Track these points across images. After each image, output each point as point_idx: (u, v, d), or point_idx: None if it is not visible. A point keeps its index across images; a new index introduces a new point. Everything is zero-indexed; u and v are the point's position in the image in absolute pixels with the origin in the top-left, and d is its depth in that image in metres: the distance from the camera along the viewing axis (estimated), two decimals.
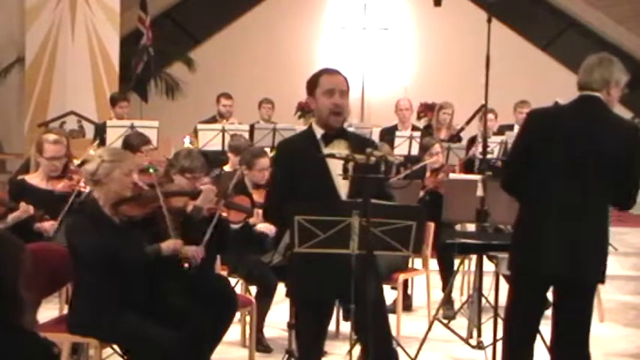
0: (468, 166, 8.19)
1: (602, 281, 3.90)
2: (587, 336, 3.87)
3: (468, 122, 8.70)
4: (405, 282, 6.50)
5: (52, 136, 5.39)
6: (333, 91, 3.69)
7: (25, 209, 5.07)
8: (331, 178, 3.62)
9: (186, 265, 4.24)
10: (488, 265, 5.56)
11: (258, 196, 5.66)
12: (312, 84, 3.76)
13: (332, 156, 3.56)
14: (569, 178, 3.74)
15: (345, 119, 3.78)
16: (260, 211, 5.43)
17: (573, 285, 3.81)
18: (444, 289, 6.34)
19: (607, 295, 6.97)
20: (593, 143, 3.74)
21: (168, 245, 4.15)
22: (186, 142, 9.05)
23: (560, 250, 3.72)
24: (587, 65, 3.86)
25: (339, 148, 3.67)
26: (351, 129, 3.99)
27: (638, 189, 3.84)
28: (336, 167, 3.58)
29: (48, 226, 5.18)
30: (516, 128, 8.38)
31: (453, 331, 5.41)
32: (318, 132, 3.74)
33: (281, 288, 5.49)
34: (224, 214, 5.05)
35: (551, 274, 3.77)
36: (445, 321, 5.61)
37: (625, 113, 12.71)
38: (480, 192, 5.40)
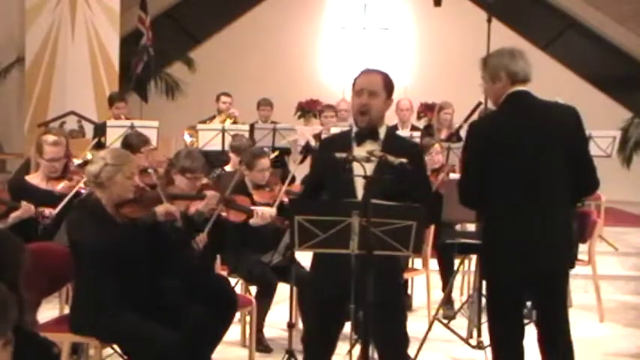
0: None
1: (572, 266, 3.93)
2: (567, 320, 3.89)
3: (466, 120, 8.69)
4: (405, 282, 6.50)
5: (51, 138, 5.38)
6: (362, 92, 3.71)
7: (27, 209, 5.06)
8: (352, 177, 3.60)
9: (179, 223, 4.25)
10: None
11: (259, 197, 5.66)
12: (353, 83, 3.80)
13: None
14: (529, 178, 3.75)
15: (372, 120, 3.72)
16: (260, 212, 5.43)
17: (548, 278, 3.84)
18: (444, 289, 6.34)
19: (607, 295, 6.97)
20: (542, 138, 3.76)
21: (160, 210, 4.16)
22: (187, 138, 9.05)
23: (535, 247, 3.73)
24: (509, 55, 3.87)
25: (371, 148, 3.64)
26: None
27: (595, 168, 3.86)
28: (358, 167, 3.53)
29: (47, 212, 5.16)
30: None
31: (453, 331, 5.41)
32: (354, 130, 3.77)
33: (281, 288, 5.50)
34: (223, 214, 5.06)
35: (530, 270, 3.77)
36: (445, 321, 5.61)
37: (625, 113, 12.72)
38: None
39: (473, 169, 3.89)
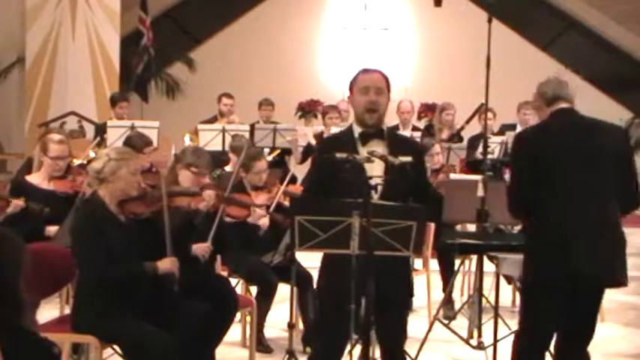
0: (472, 166, 8.15)
1: (625, 283, 3.89)
2: (592, 335, 3.93)
3: (468, 121, 8.70)
4: None
5: (57, 136, 5.39)
6: (368, 89, 3.69)
7: (17, 204, 5.02)
8: (367, 179, 3.57)
9: (175, 287, 4.18)
10: (488, 266, 5.56)
11: (257, 198, 5.65)
12: (351, 83, 3.79)
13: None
14: (583, 181, 3.75)
15: (380, 117, 3.73)
16: (258, 210, 5.43)
17: (598, 284, 3.86)
18: (444, 290, 6.34)
19: (607, 295, 6.86)
20: (594, 146, 3.80)
21: (165, 265, 4.11)
22: (187, 140, 9.05)
23: (589, 248, 3.73)
24: (556, 80, 3.94)
25: (377, 148, 3.64)
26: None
27: (637, 188, 3.89)
28: (371, 168, 3.53)
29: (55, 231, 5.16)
30: (519, 129, 8.35)
31: (453, 331, 5.41)
32: (357, 131, 3.74)
33: (281, 288, 5.50)
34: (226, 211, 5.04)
35: (581, 271, 3.75)
36: (445, 321, 5.61)
37: (625, 113, 12.72)
38: (480, 192, 5.40)
39: (522, 177, 3.88)
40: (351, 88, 3.79)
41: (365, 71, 3.81)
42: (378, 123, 3.72)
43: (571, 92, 3.92)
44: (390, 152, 3.63)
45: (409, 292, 3.80)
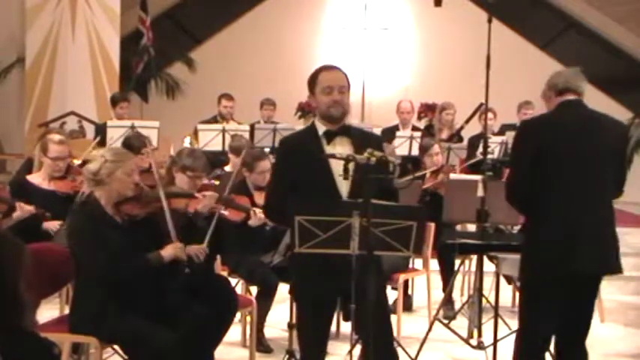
0: (471, 169, 8.15)
1: (621, 270, 3.93)
2: (590, 326, 3.96)
3: (468, 121, 8.70)
4: (406, 282, 6.50)
5: (57, 137, 5.40)
6: (332, 89, 3.68)
7: (27, 210, 5.05)
8: (332, 178, 3.60)
9: (186, 270, 4.20)
10: (488, 266, 5.56)
11: (260, 198, 5.66)
12: (312, 82, 3.76)
13: (333, 156, 3.55)
14: (584, 177, 3.77)
15: (346, 112, 3.73)
16: (259, 212, 5.43)
17: (597, 279, 3.90)
18: (444, 290, 6.34)
19: (607, 295, 6.97)
20: (596, 142, 3.82)
21: (168, 251, 4.12)
22: (186, 143, 9.05)
23: (591, 247, 3.76)
24: (571, 72, 4.02)
25: (342, 145, 3.65)
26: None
27: (625, 180, 3.97)
28: (337, 166, 3.54)
29: (55, 225, 5.18)
30: None
31: (453, 331, 5.41)
32: (321, 129, 3.72)
33: (281, 288, 5.50)
34: (224, 212, 5.05)
35: (584, 271, 3.77)
36: (445, 321, 5.61)
37: (625, 113, 12.72)
38: (480, 192, 5.40)
39: (523, 165, 3.87)
40: (311, 86, 3.76)
41: (327, 70, 3.78)
42: (343, 116, 3.71)
43: (583, 84, 3.95)
44: (356, 149, 3.61)
45: (382, 289, 3.82)
